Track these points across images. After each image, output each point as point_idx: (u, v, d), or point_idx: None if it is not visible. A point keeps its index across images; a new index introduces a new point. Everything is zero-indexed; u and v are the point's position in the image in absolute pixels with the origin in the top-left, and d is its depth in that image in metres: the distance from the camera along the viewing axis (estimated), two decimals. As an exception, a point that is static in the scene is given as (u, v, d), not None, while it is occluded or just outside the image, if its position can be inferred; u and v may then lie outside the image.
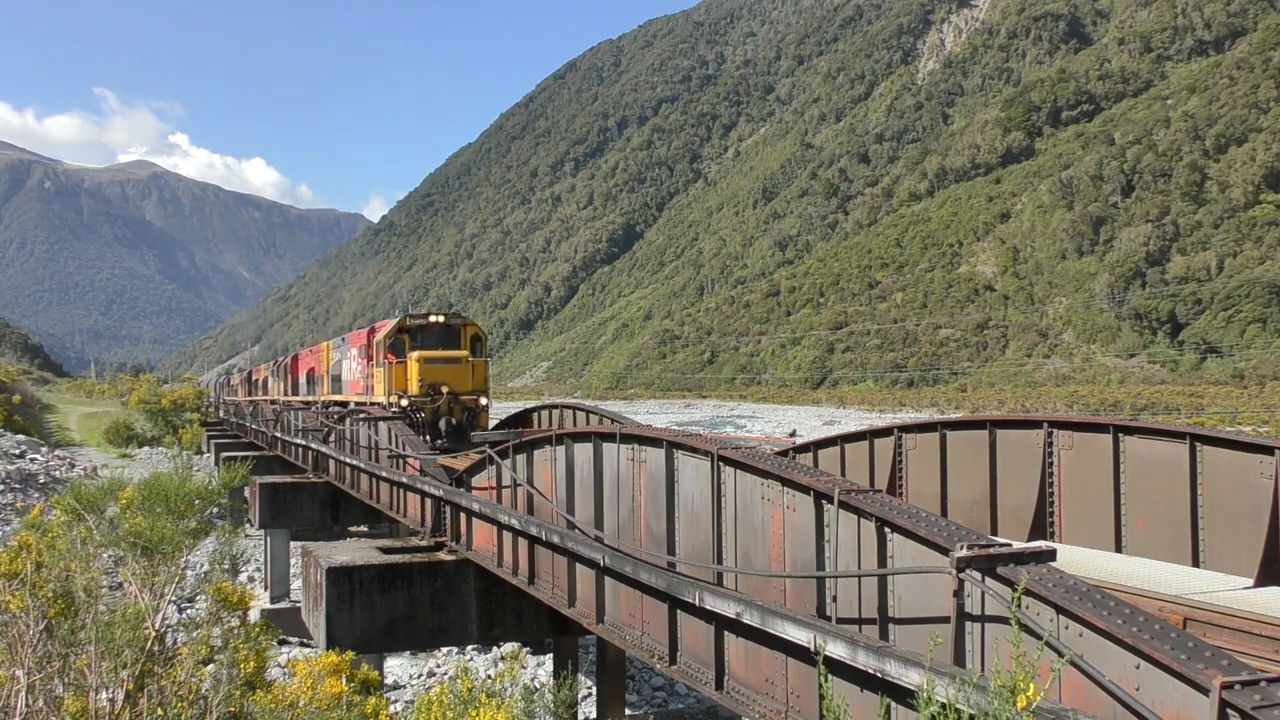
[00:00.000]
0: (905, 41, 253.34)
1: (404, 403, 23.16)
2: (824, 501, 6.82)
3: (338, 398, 33.53)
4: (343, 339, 34.71)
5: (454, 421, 23.18)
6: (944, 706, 3.97)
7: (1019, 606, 4.51)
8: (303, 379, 44.91)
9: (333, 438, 26.30)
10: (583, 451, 10.86)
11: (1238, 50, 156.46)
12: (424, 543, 15.83)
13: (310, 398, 40.77)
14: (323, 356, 38.27)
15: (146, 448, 63.04)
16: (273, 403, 48.55)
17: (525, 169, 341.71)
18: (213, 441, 54.01)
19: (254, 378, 70.68)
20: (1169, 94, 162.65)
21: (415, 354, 23.93)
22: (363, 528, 28.55)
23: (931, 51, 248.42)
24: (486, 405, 24.34)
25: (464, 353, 24.38)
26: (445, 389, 23.33)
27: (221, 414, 74.18)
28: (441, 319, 24.95)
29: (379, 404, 24.90)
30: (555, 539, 11.10)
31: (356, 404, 28.11)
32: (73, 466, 46.33)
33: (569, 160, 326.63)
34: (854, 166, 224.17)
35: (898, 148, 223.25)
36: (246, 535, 35.62)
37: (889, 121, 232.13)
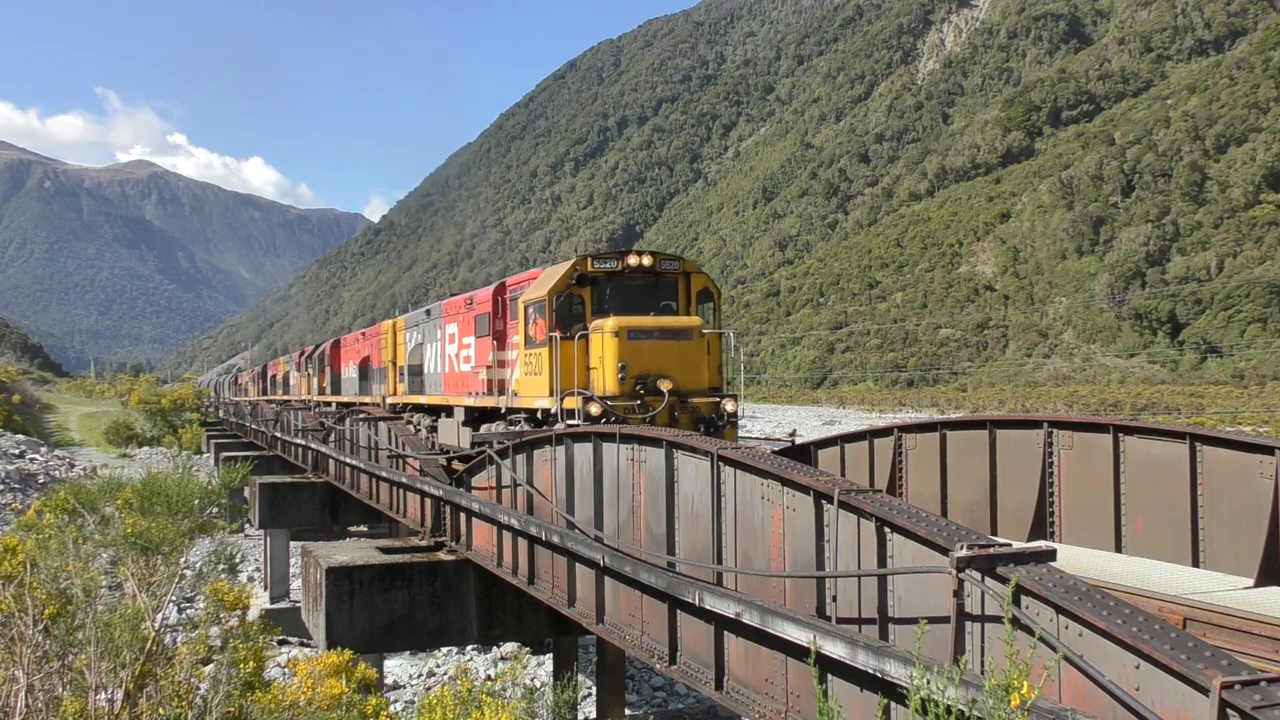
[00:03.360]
0: (905, 41, 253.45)
1: (593, 409, 13.50)
2: (824, 501, 6.82)
3: (420, 399, 23.38)
4: (425, 312, 24.18)
5: None
6: (930, 701, 3.96)
7: (1018, 606, 4.50)
8: (347, 373, 35.49)
9: (332, 438, 26.29)
10: (583, 451, 10.86)
11: (1238, 50, 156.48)
12: (424, 543, 15.83)
13: (364, 398, 30.98)
14: (385, 340, 28.68)
15: (146, 448, 63.04)
16: (304, 405, 39.16)
17: (525, 169, 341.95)
18: (212, 441, 54.03)
19: (270, 373, 61.66)
20: (1169, 94, 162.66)
21: (611, 322, 14.12)
22: (363, 528, 28.57)
23: (931, 51, 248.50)
24: (735, 415, 14.52)
25: (694, 320, 14.62)
26: (668, 385, 13.80)
27: (221, 414, 74.06)
28: (647, 261, 15.21)
29: (526, 411, 15.72)
30: (555, 539, 11.10)
31: (472, 408, 18.68)
32: (72, 466, 46.33)
33: (569, 160, 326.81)
34: (854, 166, 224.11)
35: (898, 148, 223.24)
36: (246, 535, 35.64)
37: (889, 121, 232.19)
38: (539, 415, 15.19)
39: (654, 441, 9.24)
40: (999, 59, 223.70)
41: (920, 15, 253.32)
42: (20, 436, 53.27)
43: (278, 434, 36.05)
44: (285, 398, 50.17)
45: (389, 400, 26.73)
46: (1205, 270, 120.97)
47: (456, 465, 16.46)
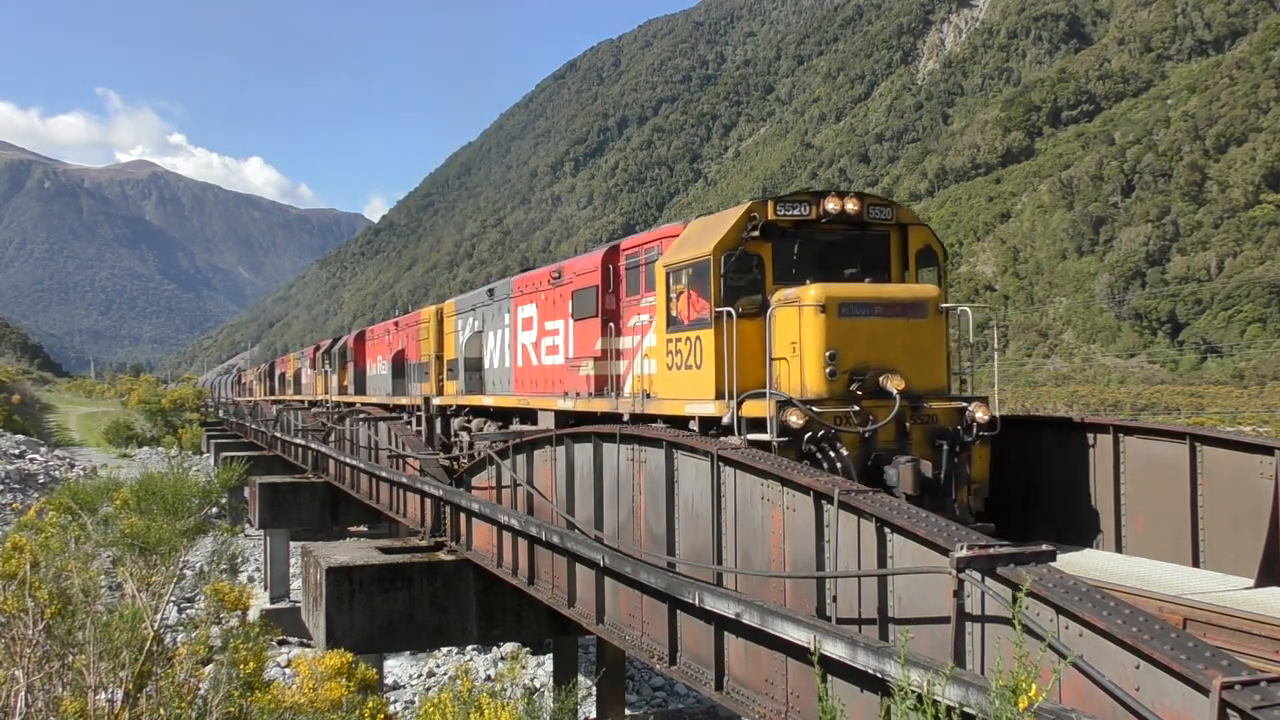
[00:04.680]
0: (905, 41, 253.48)
1: (792, 419, 9.35)
2: (824, 501, 6.81)
3: (481, 400, 18.64)
4: (487, 292, 19.56)
5: (923, 472, 9.41)
6: (920, 699, 3.96)
7: (1020, 607, 4.50)
8: (375, 369, 30.86)
9: (332, 438, 26.29)
10: (583, 451, 10.86)
11: (1238, 50, 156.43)
12: (424, 543, 15.83)
13: (399, 398, 26.20)
14: (426, 330, 23.96)
15: (146, 448, 63.06)
16: (328, 406, 34.80)
17: (525, 169, 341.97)
18: (212, 441, 54.05)
19: (279, 371, 56.91)
20: (1169, 94, 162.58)
21: (814, 291, 9.93)
22: (362, 528, 28.57)
23: (931, 51, 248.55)
24: (993, 423, 9.99)
25: (929, 290, 10.43)
26: (897, 383, 9.72)
27: (221, 414, 73.99)
28: (851, 206, 10.94)
29: (670, 418, 11.18)
30: (555, 539, 11.10)
31: (567, 413, 14.25)
32: (72, 466, 46.34)
33: (569, 160, 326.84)
34: (854, 166, 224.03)
35: (898, 148, 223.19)
36: (246, 535, 35.65)
37: (889, 121, 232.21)
38: (692, 425, 10.64)
39: (654, 441, 9.25)
40: (999, 59, 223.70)
41: (920, 15, 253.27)
42: (20, 436, 53.28)
43: (278, 434, 36.06)
44: (297, 398, 45.80)
45: (434, 401, 22.07)
46: (1205, 270, 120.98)
47: (462, 464, 15.90)
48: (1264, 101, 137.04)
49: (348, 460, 23.59)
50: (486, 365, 18.91)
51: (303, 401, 42.04)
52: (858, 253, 11.13)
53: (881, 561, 6.30)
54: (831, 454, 9.22)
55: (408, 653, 22.54)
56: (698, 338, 10.74)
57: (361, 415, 24.17)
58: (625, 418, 12.12)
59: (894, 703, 5.54)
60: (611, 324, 13.25)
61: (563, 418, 14.38)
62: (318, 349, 42.27)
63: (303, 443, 29.62)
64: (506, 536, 13.12)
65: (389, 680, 20.15)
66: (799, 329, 9.88)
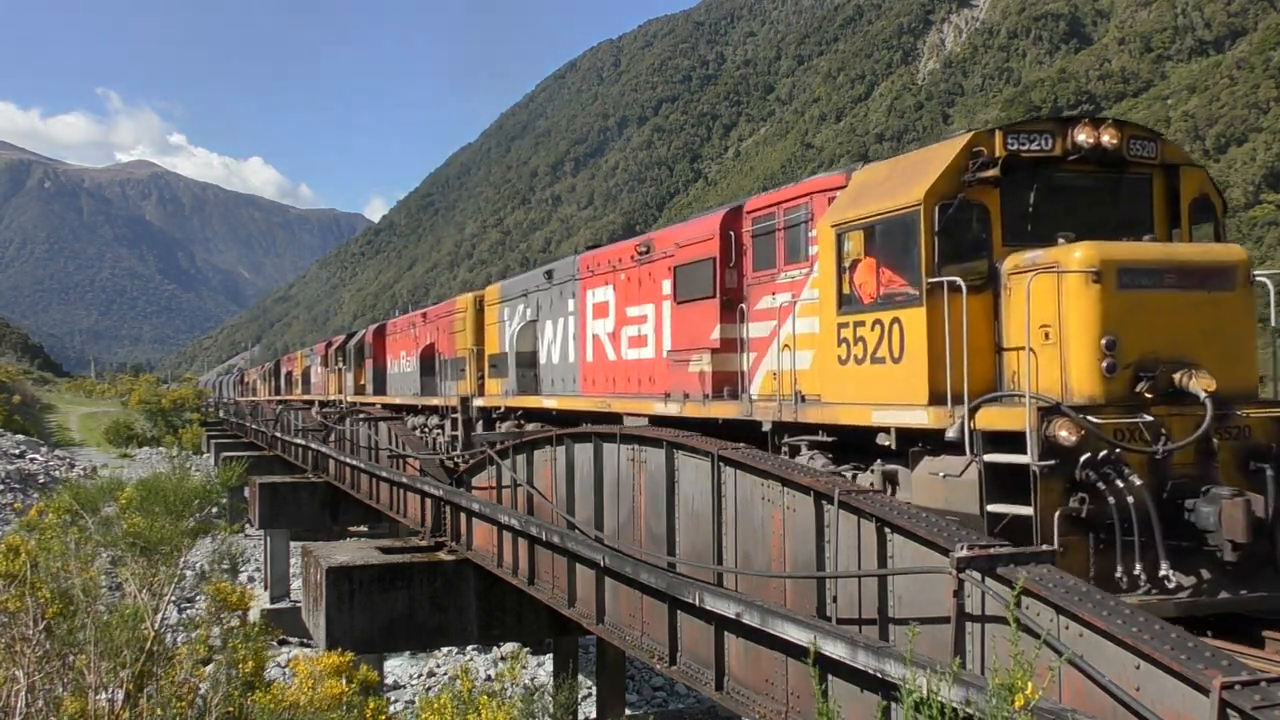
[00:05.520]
0: (905, 41, 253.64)
1: (1062, 432, 6.69)
2: (824, 501, 6.81)
3: (541, 402, 15.88)
4: (545, 273, 16.81)
5: (1255, 511, 6.59)
6: (924, 700, 3.97)
7: (1019, 607, 4.50)
8: (398, 366, 28.14)
9: (332, 437, 26.29)
10: (583, 452, 10.86)
11: (1238, 50, 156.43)
12: (424, 543, 15.85)
13: (429, 399, 23.49)
14: (461, 321, 21.47)
15: (146, 448, 63.11)
16: (343, 407, 31.65)
17: (525, 169, 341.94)
18: (213, 441, 54.07)
19: (285, 370, 54.22)
20: (1169, 94, 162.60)
21: (1081, 251, 7.17)
22: (363, 528, 28.58)
23: (931, 51, 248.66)
24: None
25: (1236, 253, 7.63)
26: (1205, 383, 7.02)
27: (221, 414, 73.98)
28: (1109, 138, 8.02)
29: (847, 429, 8.64)
30: (555, 539, 11.10)
31: (684, 419, 11.18)
32: (72, 466, 46.36)
33: (569, 160, 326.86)
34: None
35: (898, 148, 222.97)
36: (246, 535, 35.65)
37: (889, 121, 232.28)
38: (881, 439, 8.07)
39: (654, 441, 9.25)
40: (999, 59, 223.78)
41: (920, 15, 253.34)
42: (20, 436, 53.29)
43: (278, 434, 36.08)
44: (306, 397, 42.54)
45: (476, 403, 19.25)
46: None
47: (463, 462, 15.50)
48: (1264, 101, 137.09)
49: (348, 460, 23.59)
50: (543, 360, 16.42)
51: (313, 402, 39.59)
52: (1113, 201, 8.33)
53: (882, 561, 6.30)
54: (1119, 483, 6.57)
55: (408, 653, 22.54)
56: (895, 320, 7.91)
57: (362, 415, 24.14)
58: (765, 427, 9.54)
59: (900, 701, 5.55)
60: (735, 307, 10.61)
61: (661, 425, 11.18)
62: (330, 345, 39.31)
63: (303, 443, 29.63)
64: (507, 536, 13.13)
65: (389, 680, 20.15)
66: (1058, 305, 7.16)
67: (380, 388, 29.64)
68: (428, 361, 23.95)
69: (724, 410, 10.28)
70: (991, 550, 5.43)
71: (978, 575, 5.35)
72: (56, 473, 42.95)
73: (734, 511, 7.97)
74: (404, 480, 17.77)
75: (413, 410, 24.64)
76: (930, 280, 7.57)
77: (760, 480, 7.59)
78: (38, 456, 47.33)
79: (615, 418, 12.54)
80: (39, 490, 36.82)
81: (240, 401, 68.28)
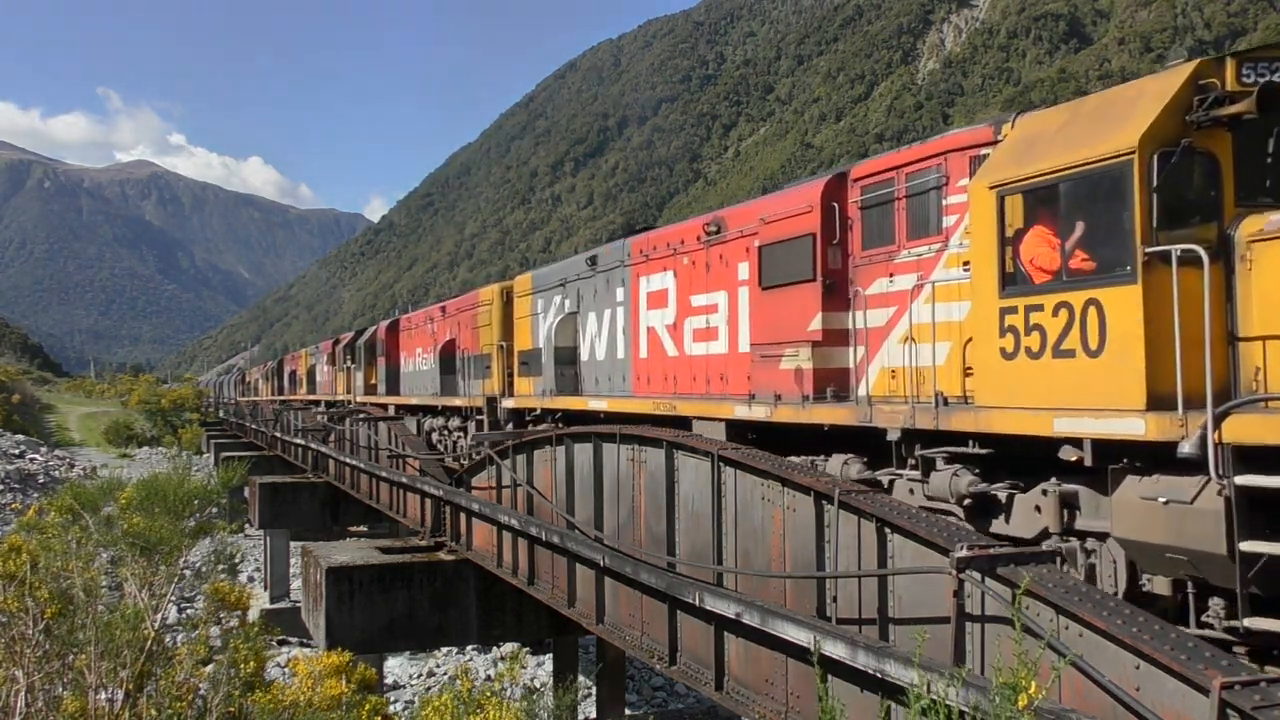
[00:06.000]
0: (905, 41, 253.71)
1: None
2: (824, 501, 6.81)
3: (590, 404, 14.05)
4: (588, 260, 15.24)
5: None
6: (934, 703, 3.97)
7: (1019, 607, 4.50)
8: (413, 364, 26.21)
9: (332, 437, 26.29)
10: (583, 452, 10.85)
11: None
12: (424, 543, 15.85)
13: (449, 399, 21.74)
14: (486, 314, 19.95)
15: (146, 448, 63.12)
16: (351, 408, 29.46)
17: (525, 169, 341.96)
18: (213, 441, 54.11)
19: (289, 369, 52.61)
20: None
21: None
22: (363, 528, 28.60)
23: (931, 51, 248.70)
24: None
25: None
26: None
27: (221, 414, 74.01)
28: None
29: (1006, 437, 6.89)
30: (555, 539, 11.10)
31: (770, 425, 9.55)
32: (72, 466, 46.36)
33: (569, 160, 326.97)
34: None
35: (898, 147, 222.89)
36: (246, 535, 35.66)
37: (889, 121, 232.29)
38: (1063, 453, 6.48)
39: (655, 441, 9.25)
40: (999, 59, 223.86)
41: (920, 15, 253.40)
42: (20, 436, 53.30)
43: (278, 434, 36.08)
44: (311, 397, 40.90)
45: (505, 405, 17.37)
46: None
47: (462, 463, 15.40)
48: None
49: (348, 460, 23.60)
50: (584, 357, 14.73)
51: (318, 402, 37.78)
52: None
53: (882, 562, 6.30)
54: None
55: (407, 653, 22.54)
56: (1091, 302, 6.27)
57: (361, 415, 24.14)
58: (892, 436, 7.84)
59: (901, 702, 5.55)
60: (840, 292, 9.10)
61: (741, 430, 9.80)
62: (337, 342, 37.13)
63: (303, 443, 29.63)
64: (506, 536, 13.13)
65: (389, 680, 20.16)
66: None
67: (394, 387, 27.70)
68: (448, 359, 22.34)
69: (832, 415, 8.53)
70: (991, 550, 5.44)
71: (977, 575, 5.35)
72: (56, 473, 42.95)
73: (734, 511, 7.97)
74: (404, 480, 17.78)
75: (431, 411, 23.10)
76: (1149, 250, 5.92)
77: (760, 480, 7.60)
78: (37, 456, 47.34)
79: (681, 422, 10.73)
80: (39, 490, 36.82)
81: (240, 401, 68.12)
